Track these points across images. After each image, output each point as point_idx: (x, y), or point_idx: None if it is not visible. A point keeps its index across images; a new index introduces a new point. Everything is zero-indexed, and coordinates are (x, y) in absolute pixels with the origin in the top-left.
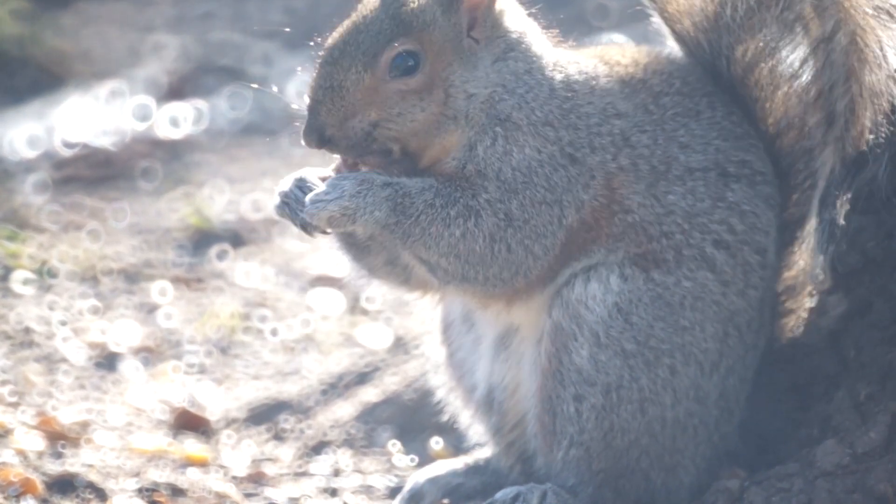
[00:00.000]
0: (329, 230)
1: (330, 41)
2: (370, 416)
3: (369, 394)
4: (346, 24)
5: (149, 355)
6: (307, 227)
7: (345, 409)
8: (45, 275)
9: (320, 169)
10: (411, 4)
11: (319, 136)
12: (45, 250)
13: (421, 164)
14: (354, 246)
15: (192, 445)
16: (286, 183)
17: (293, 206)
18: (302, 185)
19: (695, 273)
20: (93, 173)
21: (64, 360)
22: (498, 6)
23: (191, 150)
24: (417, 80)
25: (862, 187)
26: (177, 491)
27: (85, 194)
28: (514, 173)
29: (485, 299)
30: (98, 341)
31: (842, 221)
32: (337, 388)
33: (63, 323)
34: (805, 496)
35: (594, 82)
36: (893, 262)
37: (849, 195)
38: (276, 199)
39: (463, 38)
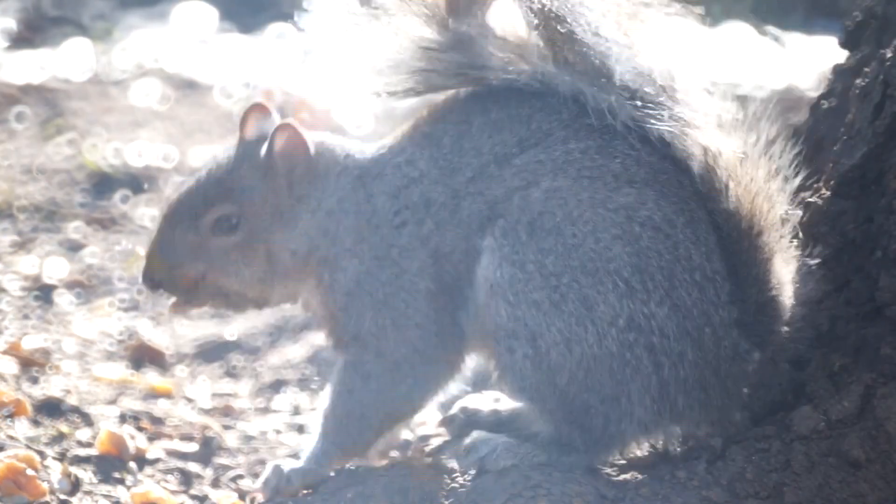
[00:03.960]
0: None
1: (173, 196)
2: (322, 359)
3: (319, 338)
4: (188, 182)
5: (82, 290)
6: None
7: (296, 351)
8: None
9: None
10: (234, 172)
11: (151, 282)
12: None
13: (269, 306)
14: None
15: (153, 377)
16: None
17: None
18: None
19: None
20: None
21: (2, 289)
22: (315, 153)
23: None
24: (238, 238)
25: (846, 174)
26: (155, 420)
27: None
28: (349, 298)
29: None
30: (30, 273)
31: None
32: (285, 331)
33: None
34: (783, 457)
35: (388, 179)
36: (872, 243)
37: (832, 182)
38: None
39: (283, 199)
